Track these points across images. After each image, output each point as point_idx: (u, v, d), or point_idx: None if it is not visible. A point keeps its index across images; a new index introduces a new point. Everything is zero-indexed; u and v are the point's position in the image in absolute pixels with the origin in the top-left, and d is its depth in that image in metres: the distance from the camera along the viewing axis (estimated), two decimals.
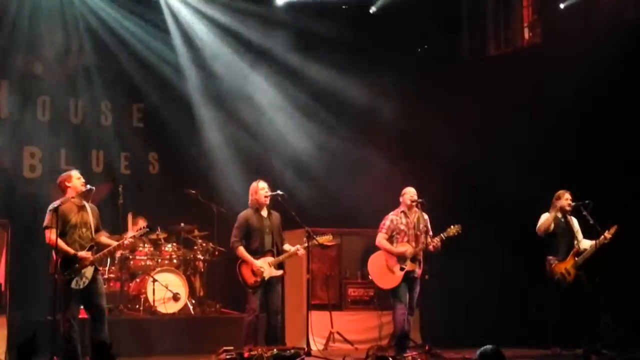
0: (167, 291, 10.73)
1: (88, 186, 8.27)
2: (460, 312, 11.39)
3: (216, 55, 12.30)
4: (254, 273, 8.77)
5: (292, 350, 8.40)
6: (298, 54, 12.28)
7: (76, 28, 11.96)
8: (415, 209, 9.29)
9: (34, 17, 11.53)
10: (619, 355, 8.90)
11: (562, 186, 9.68)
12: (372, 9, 12.65)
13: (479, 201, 11.53)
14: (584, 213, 9.33)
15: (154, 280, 10.67)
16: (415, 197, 9.28)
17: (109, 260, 10.53)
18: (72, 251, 8.05)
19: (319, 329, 10.45)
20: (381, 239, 9.29)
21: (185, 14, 12.25)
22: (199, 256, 11.39)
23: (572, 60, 10.73)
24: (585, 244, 9.52)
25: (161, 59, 12.25)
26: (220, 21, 12.20)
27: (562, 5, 11.36)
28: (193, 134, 12.46)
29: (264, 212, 8.98)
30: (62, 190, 8.32)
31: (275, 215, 9.07)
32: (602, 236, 9.24)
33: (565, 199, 9.58)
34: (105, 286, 8.86)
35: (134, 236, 8.87)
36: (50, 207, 8.11)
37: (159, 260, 11.16)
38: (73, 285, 8.02)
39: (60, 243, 8.01)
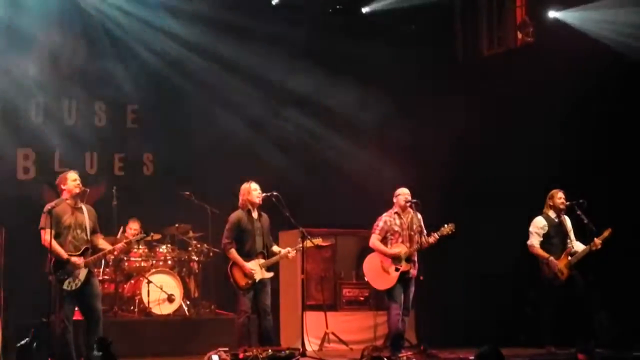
0: (162, 292, 10.73)
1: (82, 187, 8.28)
2: (455, 312, 11.39)
3: None
4: (245, 275, 8.77)
5: (287, 351, 8.41)
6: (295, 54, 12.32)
7: (70, 28, 11.94)
8: (409, 209, 9.29)
9: (27, 17, 11.50)
10: (613, 353, 8.91)
11: (557, 185, 9.70)
12: (365, 9, 12.64)
13: (473, 201, 11.55)
14: (578, 212, 9.36)
15: (149, 282, 10.67)
16: (410, 198, 9.28)
17: (103, 262, 10.51)
18: (65, 255, 8.04)
19: (313, 329, 10.46)
20: (375, 240, 9.29)
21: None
22: (194, 257, 11.39)
23: (565, 59, 10.75)
24: (579, 247, 9.53)
25: (157, 59, 12.22)
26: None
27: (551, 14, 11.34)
28: (188, 135, 12.45)
29: (255, 214, 8.97)
30: (60, 191, 8.33)
31: (265, 217, 9.04)
32: (593, 242, 9.27)
33: (559, 198, 9.60)
34: (99, 287, 8.85)
35: (130, 242, 8.87)
36: (45, 208, 8.12)
37: (154, 261, 11.16)
38: (65, 286, 8.03)
39: (54, 245, 8.01)
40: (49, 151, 12.08)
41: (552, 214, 9.63)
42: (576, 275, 9.43)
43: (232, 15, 12.01)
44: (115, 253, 8.58)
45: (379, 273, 9.25)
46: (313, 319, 10.59)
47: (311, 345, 9.96)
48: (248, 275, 8.74)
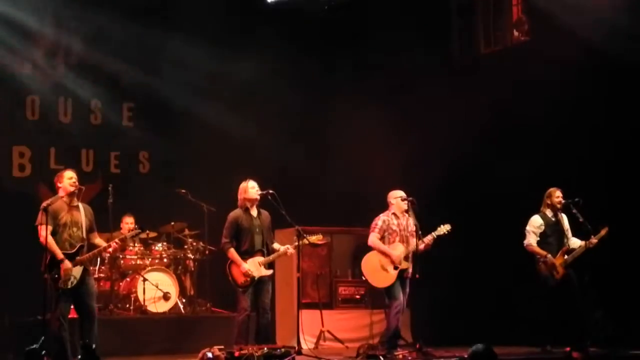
0: (158, 290, 10.72)
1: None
2: (451, 311, 11.40)
3: None
4: (243, 273, 8.77)
5: (283, 349, 8.40)
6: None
7: (65, 27, 11.92)
8: (404, 212, 9.31)
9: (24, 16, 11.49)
10: (608, 352, 8.92)
11: (554, 184, 9.70)
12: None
13: (469, 200, 11.54)
14: (574, 211, 9.36)
15: (144, 280, 10.66)
16: (405, 196, 9.31)
17: (98, 259, 10.49)
18: (60, 255, 8.03)
19: (309, 327, 10.47)
20: (374, 238, 9.30)
21: None
22: (189, 255, 11.38)
23: (562, 57, 10.74)
24: (575, 243, 9.55)
25: (152, 57, 12.21)
26: None
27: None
28: (183, 133, 12.45)
29: (254, 212, 8.97)
30: (56, 188, 8.33)
31: (265, 214, 9.05)
32: (589, 241, 9.27)
33: (556, 196, 9.60)
34: (95, 286, 8.84)
35: (124, 238, 8.86)
36: (42, 206, 8.11)
37: (149, 259, 11.14)
38: (61, 284, 8.01)
39: (51, 243, 8.01)
40: (45, 149, 12.06)
41: (549, 213, 9.63)
42: (571, 274, 9.44)
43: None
44: (110, 250, 8.55)
45: (377, 271, 9.26)
46: (309, 317, 10.60)
47: (307, 344, 9.94)
48: (246, 274, 8.74)
